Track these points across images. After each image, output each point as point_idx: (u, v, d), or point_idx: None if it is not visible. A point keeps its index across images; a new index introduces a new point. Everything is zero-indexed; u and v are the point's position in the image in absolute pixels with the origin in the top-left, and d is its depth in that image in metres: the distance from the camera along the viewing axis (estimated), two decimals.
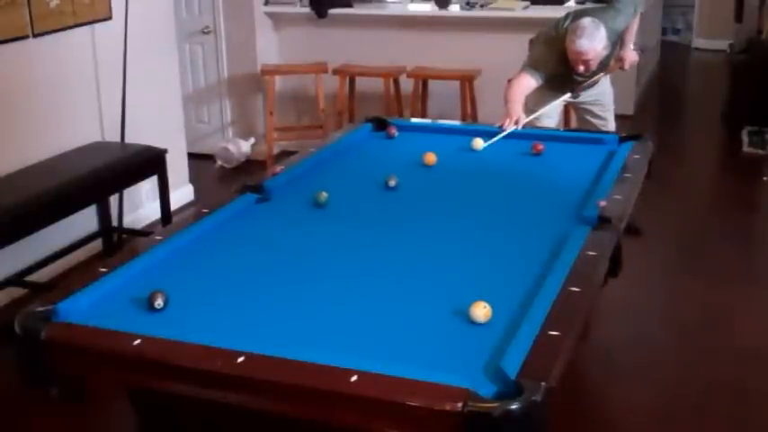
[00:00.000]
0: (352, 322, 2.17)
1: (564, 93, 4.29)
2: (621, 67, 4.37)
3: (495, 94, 5.75)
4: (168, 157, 4.67)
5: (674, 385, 3.37)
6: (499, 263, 2.52)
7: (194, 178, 5.74)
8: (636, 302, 4.02)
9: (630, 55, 4.35)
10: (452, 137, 3.93)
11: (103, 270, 2.42)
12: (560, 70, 4.11)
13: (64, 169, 4.18)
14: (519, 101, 3.99)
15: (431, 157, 3.46)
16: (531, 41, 4.56)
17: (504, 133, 3.76)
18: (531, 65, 4.14)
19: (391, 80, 5.93)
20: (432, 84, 5.99)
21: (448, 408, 1.73)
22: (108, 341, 2.05)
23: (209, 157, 6.31)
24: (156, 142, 4.65)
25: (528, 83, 4.06)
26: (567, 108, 5.42)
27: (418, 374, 1.82)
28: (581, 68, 4.03)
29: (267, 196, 3.07)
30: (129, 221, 4.93)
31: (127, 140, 4.67)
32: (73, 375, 2.14)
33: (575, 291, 2.23)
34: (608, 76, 4.44)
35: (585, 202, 2.92)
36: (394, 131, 3.91)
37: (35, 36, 4.22)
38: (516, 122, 3.85)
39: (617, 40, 4.23)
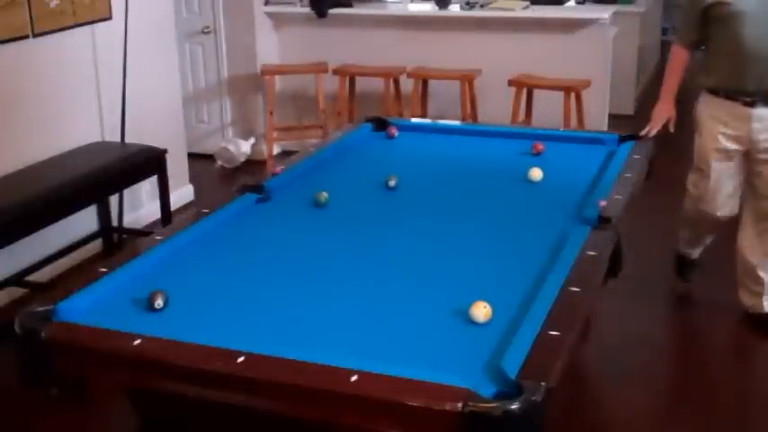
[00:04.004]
0: (353, 322, 2.17)
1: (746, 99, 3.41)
2: None
3: (496, 94, 5.80)
4: (168, 157, 4.67)
5: (675, 385, 3.37)
6: (499, 263, 2.52)
7: (194, 178, 5.74)
8: (636, 303, 4.02)
9: None
10: (452, 137, 3.94)
11: (103, 270, 2.42)
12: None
13: (64, 169, 4.18)
14: (670, 91, 3.71)
15: None
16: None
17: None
18: (678, 32, 3.80)
19: (391, 80, 5.93)
20: (432, 84, 5.99)
21: (448, 408, 1.73)
22: (108, 341, 2.05)
23: (209, 157, 6.31)
24: (156, 142, 4.66)
25: (680, 56, 3.71)
26: (567, 106, 5.43)
27: (418, 374, 1.81)
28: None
29: (267, 196, 3.08)
30: (129, 221, 4.93)
31: (127, 140, 4.67)
32: (73, 375, 2.14)
33: (575, 291, 2.23)
34: None
35: (585, 202, 2.92)
36: (394, 131, 3.91)
37: (35, 36, 4.22)
38: (667, 123, 3.59)
39: None
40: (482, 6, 6.16)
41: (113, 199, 4.76)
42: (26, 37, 4.17)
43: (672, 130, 3.64)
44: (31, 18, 4.17)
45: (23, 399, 3.21)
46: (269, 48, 6.44)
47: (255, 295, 2.34)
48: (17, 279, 4.15)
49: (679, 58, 3.72)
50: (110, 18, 4.69)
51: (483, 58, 5.92)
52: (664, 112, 3.70)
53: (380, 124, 4.00)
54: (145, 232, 4.65)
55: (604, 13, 5.94)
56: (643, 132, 3.64)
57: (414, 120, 4.77)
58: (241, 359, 1.91)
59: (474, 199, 3.13)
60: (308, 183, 3.22)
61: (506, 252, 2.60)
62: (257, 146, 6.39)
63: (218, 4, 6.26)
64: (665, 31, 10.39)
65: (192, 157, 5.84)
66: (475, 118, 5.79)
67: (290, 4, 6.42)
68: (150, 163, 4.56)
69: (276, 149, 6.29)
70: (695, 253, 4.12)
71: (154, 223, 4.98)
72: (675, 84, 3.74)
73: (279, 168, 3.36)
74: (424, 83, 5.96)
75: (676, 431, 3.13)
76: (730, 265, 3.88)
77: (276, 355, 1.91)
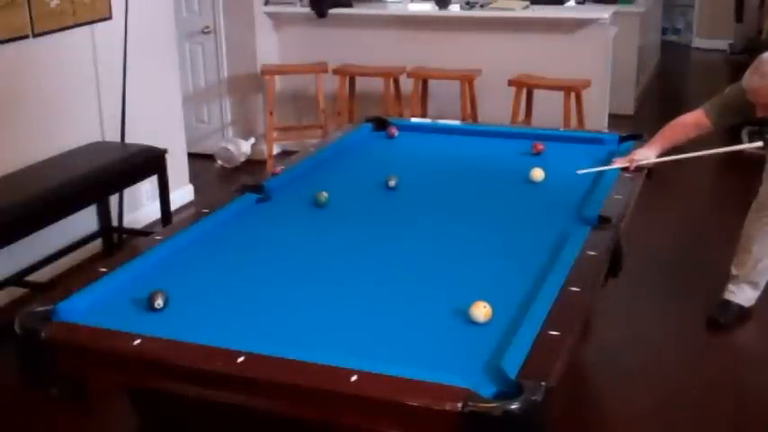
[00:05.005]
0: (353, 322, 2.17)
1: None
2: None
3: (496, 94, 5.80)
4: (168, 157, 4.66)
5: (674, 385, 3.37)
6: (499, 263, 2.52)
7: (194, 178, 5.74)
8: (636, 302, 4.02)
9: None
10: (452, 137, 3.94)
11: (103, 270, 2.42)
12: (739, 118, 3.57)
13: (64, 169, 4.18)
14: (660, 138, 3.40)
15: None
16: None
17: (605, 168, 3.25)
18: (712, 105, 3.54)
19: (391, 80, 5.93)
20: (432, 84, 5.99)
21: (448, 408, 1.73)
22: (108, 341, 2.06)
23: (209, 157, 6.31)
24: (156, 142, 4.65)
25: (696, 119, 3.48)
26: (567, 106, 5.43)
27: (418, 374, 1.82)
28: (759, 113, 3.31)
29: (267, 196, 3.08)
30: (129, 221, 4.93)
31: (127, 140, 4.67)
32: (73, 375, 2.14)
33: (575, 291, 2.23)
34: None
35: (585, 202, 2.92)
36: (394, 131, 3.91)
37: (35, 36, 4.22)
38: (630, 162, 3.24)
39: None
40: (482, 6, 6.16)
41: (113, 199, 4.76)
42: (26, 37, 4.17)
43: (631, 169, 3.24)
44: (31, 18, 4.17)
45: (23, 399, 3.21)
46: (269, 48, 6.43)
47: (255, 295, 2.34)
48: (17, 279, 4.15)
49: (692, 122, 3.54)
50: (110, 18, 4.69)
51: (483, 58, 5.92)
52: (638, 154, 3.31)
53: (380, 124, 4.00)
54: (145, 232, 4.65)
55: (604, 13, 5.94)
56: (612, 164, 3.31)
57: (414, 120, 4.77)
58: (241, 359, 1.91)
59: (473, 199, 3.13)
60: (308, 183, 3.22)
61: (506, 252, 2.60)
62: (257, 146, 6.39)
63: (218, 4, 6.26)
64: (665, 31, 10.40)
65: (192, 157, 5.84)
66: (475, 118, 5.79)
67: (290, 4, 6.41)
68: (150, 163, 4.56)
69: (276, 149, 6.29)
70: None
71: (154, 223, 4.98)
72: (669, 142, 3.43)
73: (279, 168, 3.36)
74: (424, 83, 5.96)
75: (676, 431, 3.13)
76: (729, 266, 3.88)
77: (276, 355, 1.91)
